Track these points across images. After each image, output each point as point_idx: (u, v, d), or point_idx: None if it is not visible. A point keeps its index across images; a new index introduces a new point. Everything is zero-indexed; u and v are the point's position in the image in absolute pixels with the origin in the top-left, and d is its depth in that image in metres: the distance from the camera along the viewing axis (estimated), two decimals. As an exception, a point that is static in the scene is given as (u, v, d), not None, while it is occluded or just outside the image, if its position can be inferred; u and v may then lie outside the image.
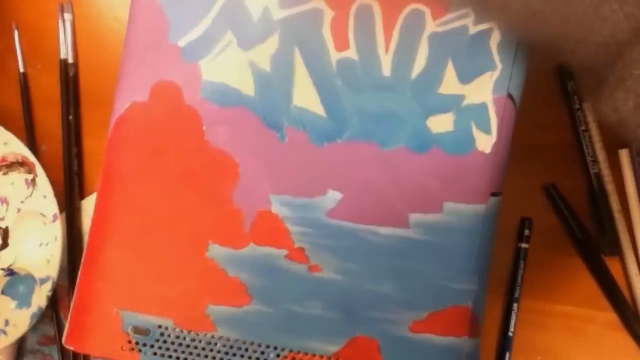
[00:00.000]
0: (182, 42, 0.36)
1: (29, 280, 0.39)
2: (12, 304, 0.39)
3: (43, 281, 0.38)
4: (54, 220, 0.38)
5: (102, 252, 0.36)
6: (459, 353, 0.37)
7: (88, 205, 0.41)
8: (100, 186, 0.37)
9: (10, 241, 0.39)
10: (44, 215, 0.38)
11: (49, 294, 0.38)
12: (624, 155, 0.41)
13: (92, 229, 0.36)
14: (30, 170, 0.38)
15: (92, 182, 0.41)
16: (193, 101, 0.36)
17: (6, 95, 0.41)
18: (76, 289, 0.36)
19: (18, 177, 0.39)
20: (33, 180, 0.38)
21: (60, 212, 0.39)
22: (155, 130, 0.36)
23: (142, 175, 0.36)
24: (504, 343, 0.41)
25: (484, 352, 0.39)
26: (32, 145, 0.41)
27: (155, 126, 0.36)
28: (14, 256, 0.39)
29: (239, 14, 0.36)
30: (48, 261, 0.38)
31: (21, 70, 0.41)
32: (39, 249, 0.39)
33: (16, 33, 0.41)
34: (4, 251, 0.39)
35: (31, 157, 0.38)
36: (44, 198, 0.38)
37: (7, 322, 0.38)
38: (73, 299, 0.36)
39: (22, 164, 0.38)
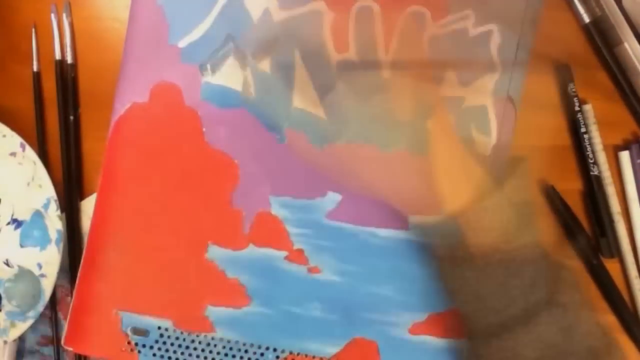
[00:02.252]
0: (182, 44, 0.36)
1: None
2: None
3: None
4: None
5: (101, 253, 0.36)
6: (458, 355, 0.37)
7: (88, 206, 0.41)
8: (100, 187, 0.37)
9: (0, 196, 0.39)
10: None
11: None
12: (624, 157, 0.41)
13: (91, 229, 0.36)
14: None
15: (92, 183, 0.41)
16: (193, 102, 0.36)
17: (7, 96, 0.41)
18: (75, 289, 0.36)
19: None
20: None
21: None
22: (155, 131, 0.36)
23: (142, 176, 0.36)
24: (504, 345, 0.41)
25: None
26: (43, 146, 0.41)
27: (155, 127, 0.36)
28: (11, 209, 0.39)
29: (239, 15, 0.36)
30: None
31: (35, 69, 0.41)
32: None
33: (34, 33, 0.41)
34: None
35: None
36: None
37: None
38: (72, 300, 0.36)
39: None
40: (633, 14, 0.39)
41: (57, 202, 0.38)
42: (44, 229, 0.39)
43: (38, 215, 0.39)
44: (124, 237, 0.36)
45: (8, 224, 0.39)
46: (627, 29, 0.39)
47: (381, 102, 0.37)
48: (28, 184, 0.38)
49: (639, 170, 0.40)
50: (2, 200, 0.39)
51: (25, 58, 0.41)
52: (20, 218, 0.39)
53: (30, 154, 0.38)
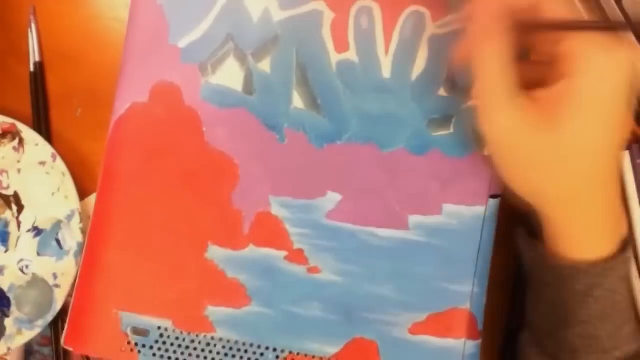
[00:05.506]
0: (182, 43, 0.36)
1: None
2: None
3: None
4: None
5: (101, 253, 0.36)
6: (458, 355, 0.37)
7: (88, 206, 0.41)
8: (99, 187, 0.37)
9: (24, 203, 0.39)
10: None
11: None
12: (624, 157, 0.41)
13: (91, 229, 0.36)
14: (15, 136, 0.38)
15: (92, 183, 0.41)
16: (193, 102, 0.36)
17: (8, 95, 0.41)
18: (75, 289, 0.36)
19: (6, 148, 0.39)
20: (20, 143, 0.38)
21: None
22: (155, 131, 0.36)
23: (142, 176, 0.36)
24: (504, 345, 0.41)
25: (484, 354, 0.39)
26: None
27: (155, 127, 0.36)
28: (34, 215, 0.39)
29: (239, 15, 0.36)
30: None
31: (31, 69, 0.41)
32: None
33: (34, 26, 0.41)
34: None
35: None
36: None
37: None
38: (72, 300, 0.36)
39: (4, 134, 0.38)
40: (633, 14, 0.39)
41: (81, 216, 0.38)
42: (64, 240, 0.39)
43: (59, 226, 0.39)
44: (124, 237, 0.36)
45: (29, 231, 0.39)
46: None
47: (381, 102, 0.37)
48: (53, 194, 0.39)
49: (639, 170, 0.40)
50: (25, 207, 0.39)
51: (24, 57, 0.41)
52: (41, 227, 0.39)
53: (60, 165, 0.38)
